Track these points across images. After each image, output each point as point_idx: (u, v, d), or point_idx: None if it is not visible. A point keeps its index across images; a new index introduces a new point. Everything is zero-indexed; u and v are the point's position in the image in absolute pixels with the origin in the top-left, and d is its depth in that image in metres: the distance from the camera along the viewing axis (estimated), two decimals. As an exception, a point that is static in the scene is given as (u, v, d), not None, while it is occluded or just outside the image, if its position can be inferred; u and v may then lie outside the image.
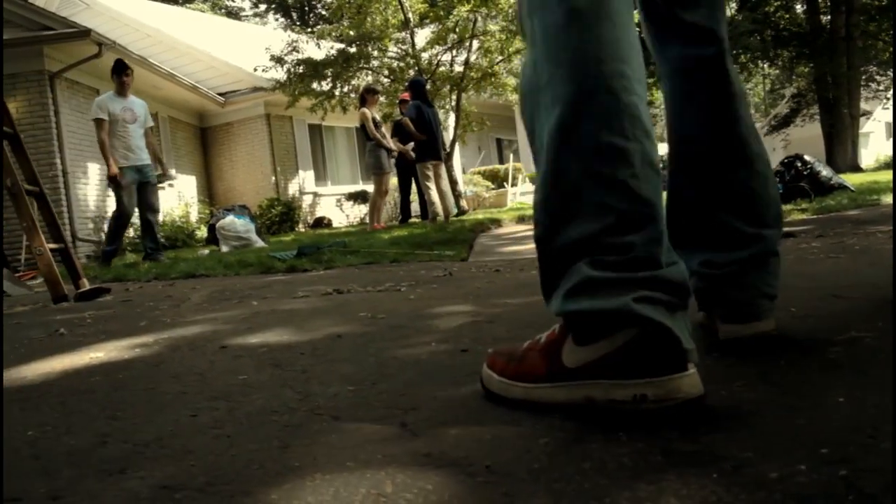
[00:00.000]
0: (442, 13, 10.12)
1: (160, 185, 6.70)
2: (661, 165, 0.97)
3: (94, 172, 9.36)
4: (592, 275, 0.89)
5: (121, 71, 6.31)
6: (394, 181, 9.47)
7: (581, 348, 0.91)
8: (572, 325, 0.93)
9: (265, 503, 0.73)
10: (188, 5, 21.58)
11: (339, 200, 13.09)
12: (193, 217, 11.02)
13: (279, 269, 4.77)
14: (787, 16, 18.83)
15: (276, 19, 27.11)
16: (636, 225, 0.89)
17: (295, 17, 24.90)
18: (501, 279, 2.83)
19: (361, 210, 12.94)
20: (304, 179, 13.25)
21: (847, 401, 0.86)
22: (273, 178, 12.61)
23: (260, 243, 7.43)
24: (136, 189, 6.19)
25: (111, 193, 9.94)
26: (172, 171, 7.47)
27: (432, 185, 7.76)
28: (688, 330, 0.89)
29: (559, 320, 0.97)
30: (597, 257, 0.89)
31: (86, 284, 3.95)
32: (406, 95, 8.39)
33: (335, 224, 12.55)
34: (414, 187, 8.87)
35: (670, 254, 0.91)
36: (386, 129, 8.89)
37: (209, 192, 13.00)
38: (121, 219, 6.27)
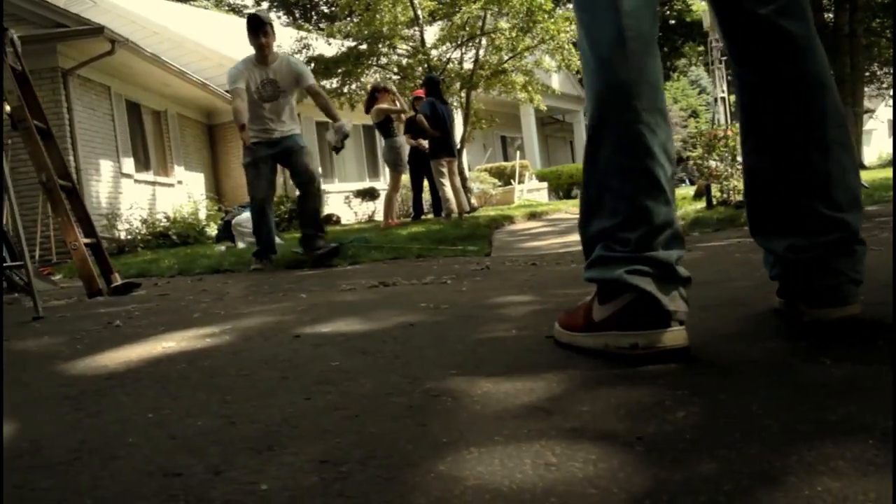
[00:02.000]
0: (449, 10, 10.16)
1: (338, 147, 4.97)
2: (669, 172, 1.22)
3: (108, 169, 9.39)
4: (601, 254, 1.22)
5: (257, 29, 4.66)
6: (405, 177, 9.51)
7: (601, 307, 1.22)
8: (598, 289, 1.24)
9: (435, 473, 0.77)
10: (192, 2, 21.57)
11: (347, 197, 13.12)
12: (202, 214, 11.04)
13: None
14: (791, 13, 18.85)
15: (279, 17, 27.13)
16: (634, 226, 1.18)
17: (297, 15, 24.92)
18: (543, 272, 2.87)
19: (370, 207, 12.97)
20: (311, 176, 13.27)
21: (963, 378, 0.90)
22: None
23: (276, 240, 7.46)
24: (281, 160, 4.91)
25: (123, 190, 10.01)
26: (346, 122, 5.02)
27: (447, 182, 7.80)
28: (681, 298, 1.17)
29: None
30: (607, 243, 1.21)
31: (118, 279, 3.98)
32: (420, 92, 8.43)
33: (344, 221, 12.58)
34: (426, 184, 8.91)
35: (669, 243, 1.19)
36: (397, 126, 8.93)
37: (217, 190, 13.03)
38: (251, 204, 4.93)
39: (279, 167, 5.10)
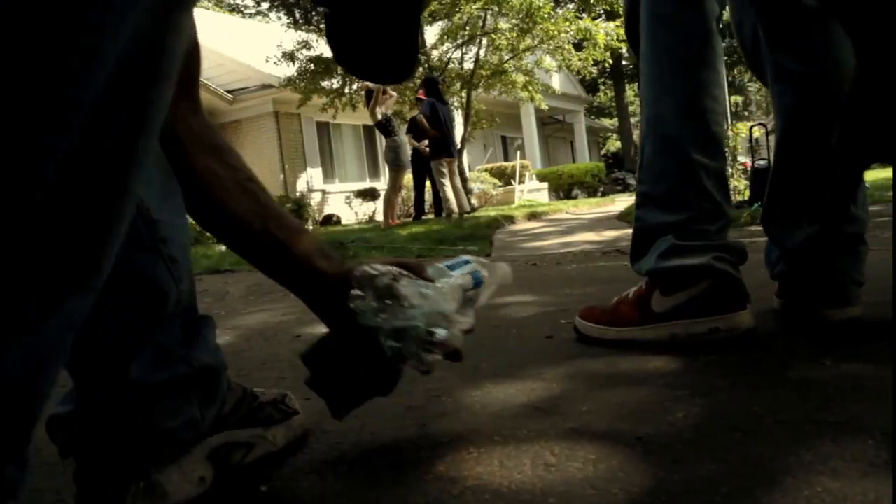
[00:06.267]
0: (451, 9, 10.18)
1: None
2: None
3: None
4: (679, 243, 1.23)
5: None
6: (407, 177, 9.52)
7: (666, 297, 1.23)
8: (660, 280, 1.24)
9: (435, 474, 0.77)
10: (193, 3, 21.48)
11: (347, 198, 13.14)
12: (203, 214, 11.05)
13: (304, 264, 4.80)
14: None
15: (279, 17, 27.09)
16: (712, 219, 1.24)
17: (298, 16, 24.85)
18: (544, 272, 2.87)
19: (370, 207, 12.98)
20: (311, 177, 13.29)
21: (964, 378, 0.90)
22: (281, 175, 12.65)
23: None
24: None
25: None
26: None
27: (447, 182, 7.81)
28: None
29: (641, 280, 1.30)
30: (681, 234, 1.23)
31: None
32: (421, 94, 8.45)
33: (344, 221, 12.59)
34: (427, 184, 8.93)
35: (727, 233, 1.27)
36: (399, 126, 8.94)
37: (217, 190, 13.03)
38: None
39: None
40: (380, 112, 8.22)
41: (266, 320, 2.10)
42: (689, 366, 1.10)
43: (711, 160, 1.24)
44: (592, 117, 26.35)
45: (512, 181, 13.75)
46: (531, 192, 14.17)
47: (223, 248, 7.34)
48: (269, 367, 1.44)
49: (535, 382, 1.10)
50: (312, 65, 10.61)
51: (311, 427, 0.97)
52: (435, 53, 10.76)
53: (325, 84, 10.70)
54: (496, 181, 13.82)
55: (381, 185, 13.33)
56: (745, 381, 1.00)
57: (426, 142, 8.08)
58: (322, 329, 1.85)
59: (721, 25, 1.31)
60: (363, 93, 9.00)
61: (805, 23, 1.26)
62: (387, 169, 10.05)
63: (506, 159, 17.98)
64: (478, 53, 10.75)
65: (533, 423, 0.90)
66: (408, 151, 8.50)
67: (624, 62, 22.43)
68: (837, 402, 0.85)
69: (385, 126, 8.32)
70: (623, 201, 10.61)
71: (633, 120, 23.39)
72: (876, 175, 9.72)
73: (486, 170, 14.80)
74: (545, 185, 15.55)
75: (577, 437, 0.83)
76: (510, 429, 0.89)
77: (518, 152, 15.91)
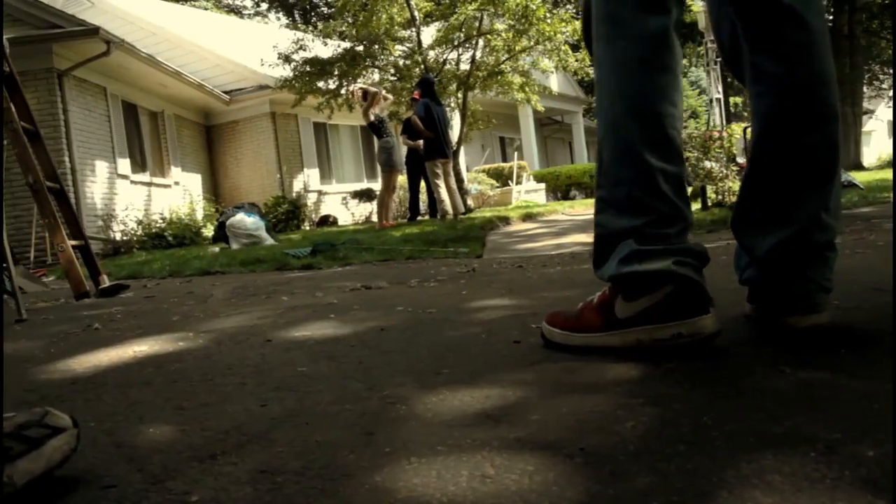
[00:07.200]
0: (447, 10, 10.17)
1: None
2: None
3: (103, 170, 9.39)
4: (640, 248, 1.19)
5: None
6: (402, 178, 9.50)
7: (629, 303, 1.20)
8: (622, 285, 1.21)
9: (370, 485, 0.75)
10: (192, 3, 21.56)
11: (344, 198, 13.12)
12: (199, 215, 11.04)
13: (294, 266, 4.79)
14: (790, 14, 18.83)
15: (278, 18, 27.17)
16: (671, 223, 1.20)
17: (297, 17, 24.92)
18: (527, 275, 2.86)
19: (367, 208, 12.97)
20: (308, 177, 13.28)
21: (920, 387, 0.88)
22: (278, 175, 12.63)
23: (270, 241, 7.45)
24: None
25: (118, 191, 9.99)
26: None
27: (441, 183, 7.79)
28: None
29: (605, 286, 1.27)
30: (641, 238, 1.19)
31: (106, 281, 3.97)
32: (416, 94, 8.44)
33: (341, 222, 12.58)
34: (422, 185, 8.91)
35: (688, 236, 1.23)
36: (394, 127, 8.92)
37: (214, 190, 13.03)
38: None
39: None
40: (372, 113, 8.22)
41: (241, 324, 2.08)
42: (648, 373, 1.09)
43: (669, 164, 1.20)
44: (591, 118, 26.31)
45: (509, 182, 13.73)
46: (528, 192, 14.14)
47: (216, 249, 7.33)
48: (234, 371, 1.42)
49: (492, 389, 1.08)
50: (308, 66, 10.59)
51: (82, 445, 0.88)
52: (431, 54, 10.73)
53: (321, 84, 10.69)
54: (493, 182, 13.80)
55: (378, 185, 13.30)
56: (700, 389, 0.99)
57: (421, 141, 8.07)
58: (296, 333, 1.83)
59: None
60: (360, 93, 9.01)
61: (785, 24, 1.23)
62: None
63: (504, 160, 17.96)
64: (474, 55, 10.73)
65: (480, 432, 0.89)
66: (401, 152, 8.48)
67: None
68: (786, 413, 0.83)
69: (378, 127, 8.30)
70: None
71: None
72: (871, 176, 9.70)
73: (483, 170, 14.78)
74: (543, 185, 15.53)
75: (519, 448, 0.81)
76: (456, 438, 0.87)
77: (516, 153, 15.89)
